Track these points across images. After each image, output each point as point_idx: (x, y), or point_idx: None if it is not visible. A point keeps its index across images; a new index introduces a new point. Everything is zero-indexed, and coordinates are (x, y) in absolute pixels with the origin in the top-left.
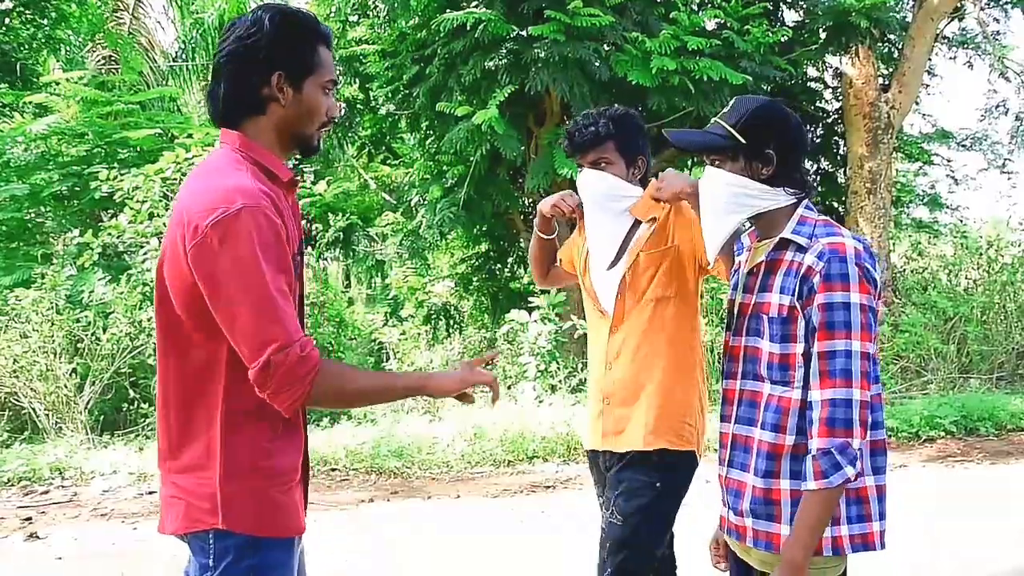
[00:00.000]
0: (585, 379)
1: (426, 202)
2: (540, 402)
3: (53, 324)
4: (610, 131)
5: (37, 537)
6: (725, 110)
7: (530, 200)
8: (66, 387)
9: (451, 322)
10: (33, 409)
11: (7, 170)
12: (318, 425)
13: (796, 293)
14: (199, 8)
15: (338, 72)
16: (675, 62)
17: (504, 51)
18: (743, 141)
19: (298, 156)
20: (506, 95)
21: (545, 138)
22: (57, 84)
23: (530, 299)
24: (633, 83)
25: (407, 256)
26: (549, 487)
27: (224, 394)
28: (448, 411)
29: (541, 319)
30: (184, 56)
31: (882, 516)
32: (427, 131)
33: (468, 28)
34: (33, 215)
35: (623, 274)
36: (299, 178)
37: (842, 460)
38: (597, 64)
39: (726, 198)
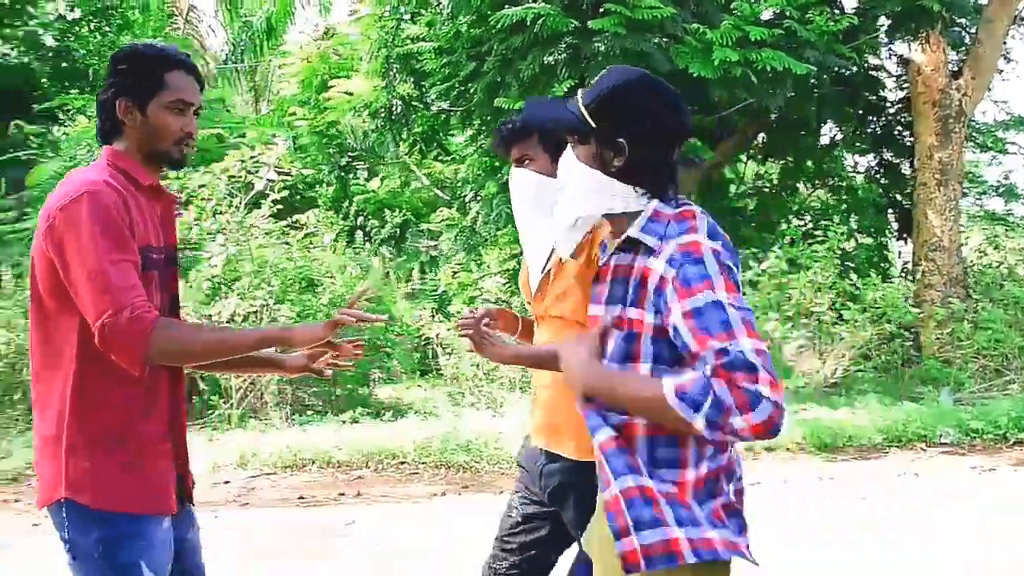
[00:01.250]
0: None
1: (481, 198)
2: None
3: None
4: (528, 125)
5: None
6: (592, 82)
7: None
8: None
9: None
10: None
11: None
12: (380, 418)
13: (643, 304)
14: (248, 12)
15: (204, 91)
16: (737, 53)
17: (563, 46)
18: (592, 125)
19: (168, 169)
20: (565, 90)
21: None
22: None
23: None
24: (694, 75)
25: (462, 252)
26: None
27: (76, 367)
28: (511, 406)
29: None
30: (233, 59)
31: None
32: (480, 127)
33: (527, 23)
34: None
35: (547, 271)
36: (163, 185)
37: (708, 409)
38: (657, 57)
39: (572, 190)
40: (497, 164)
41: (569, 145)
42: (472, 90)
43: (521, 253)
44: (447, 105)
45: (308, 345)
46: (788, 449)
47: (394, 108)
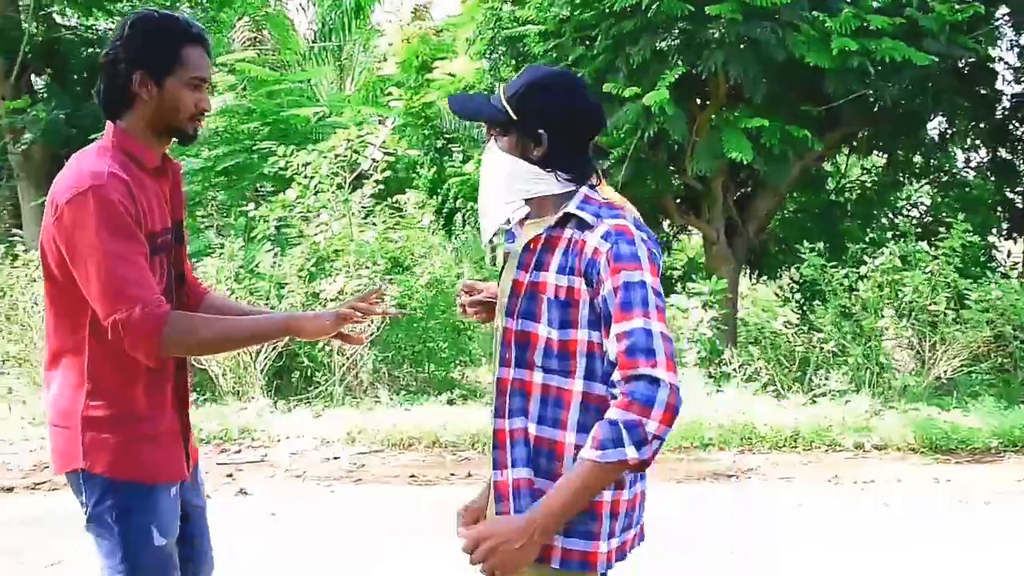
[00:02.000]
0: (759, 369)
1: None
2: (719, 390)
3: (232, 292)
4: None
5: (245, 493)
6: (513, 78)
7: (684, 183)
8: (245, 351)
9: None
10: (214, 371)
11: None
12: (474, 400)
13: (579, 273)
14: None
15: (215, 69)
16: (856, 43)
17: (676, 31)
18: (514, 117)
19: (177, 143)
20: (676, 77)
21: (712, 120)
22: (230, 65)
23: (690, 284)
24: (809, 64)
25: None
26: (732, 476)
27: (88, 346)
28: None
29: (703, 305)
30: (321, 37)
31: (610, 535)
32: None
33: (641, 7)
34: (205, 188)
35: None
36: (168, 164)
37: (627, 437)
38: (773, 45)
39: (495, 179)
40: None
41: (492, 137)
42: (579, 75)
43: None
44: None
45: (317, 338)
46: (899, 448)
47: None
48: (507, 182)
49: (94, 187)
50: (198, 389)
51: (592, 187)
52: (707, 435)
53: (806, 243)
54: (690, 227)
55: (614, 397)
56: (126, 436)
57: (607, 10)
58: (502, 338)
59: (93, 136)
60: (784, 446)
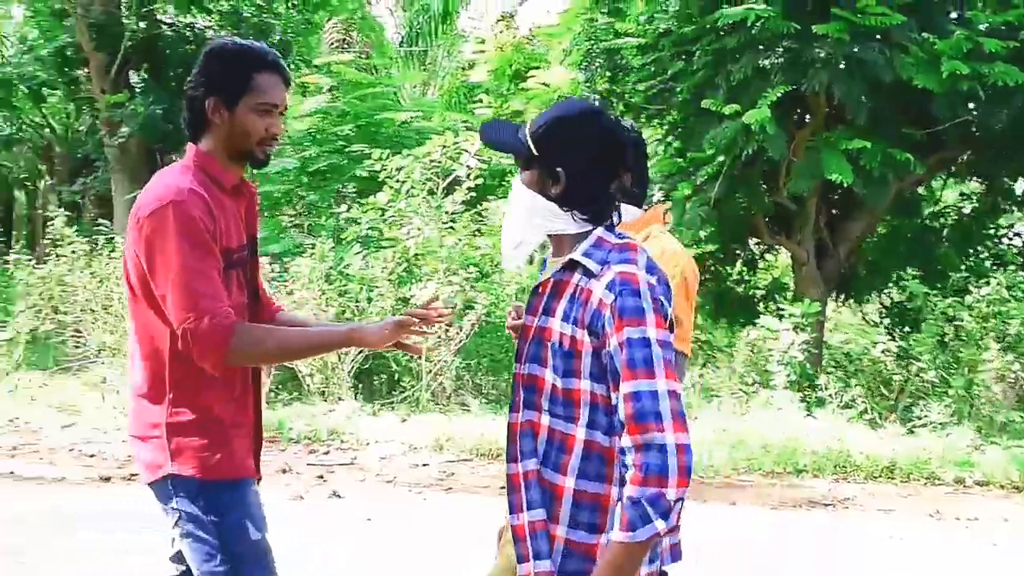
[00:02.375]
0: (855, 397)
1: (671, 199)
2: (810, 415)
3: (323, 294)
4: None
5: (338, 496)
6: (543, 112)
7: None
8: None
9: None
10: (301, 371)
11: (283, 145)
12: None
13: (583, 324)
14: None
15: (290, 93)
16: (968, 66)
17: (780, 49)
18: (535, 153)
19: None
20: (777, 96)
21: (812, 140)
22: (328, 66)
23: (781, 306)
24: (917, 87)
25: None
26: (828, 505)
27: (170, 354)
28: (700, 411)
29: (794, 328)
30: (408, 41)
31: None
32: (674, 127)
33: (746, 25)
34: (296, 188)
35: None
36: (244, 185)
37: (652, 512)
38: (881, 66)
39: (517, 212)
40: (690, 166)
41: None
42: (676, 89)
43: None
44: (638, 102)
45: (379, 347)
46: (1002, 486)
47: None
48: (527, 216)
49: (175, 202)
50: (284, 388)
51: (610, 227)
52: (801, 461)
53: (905, 269)
54: (777, 247)
55: (625, 466)
56: (210, 438)
57: (709, 25)
58: (513, 381)
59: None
60: (880, 476)
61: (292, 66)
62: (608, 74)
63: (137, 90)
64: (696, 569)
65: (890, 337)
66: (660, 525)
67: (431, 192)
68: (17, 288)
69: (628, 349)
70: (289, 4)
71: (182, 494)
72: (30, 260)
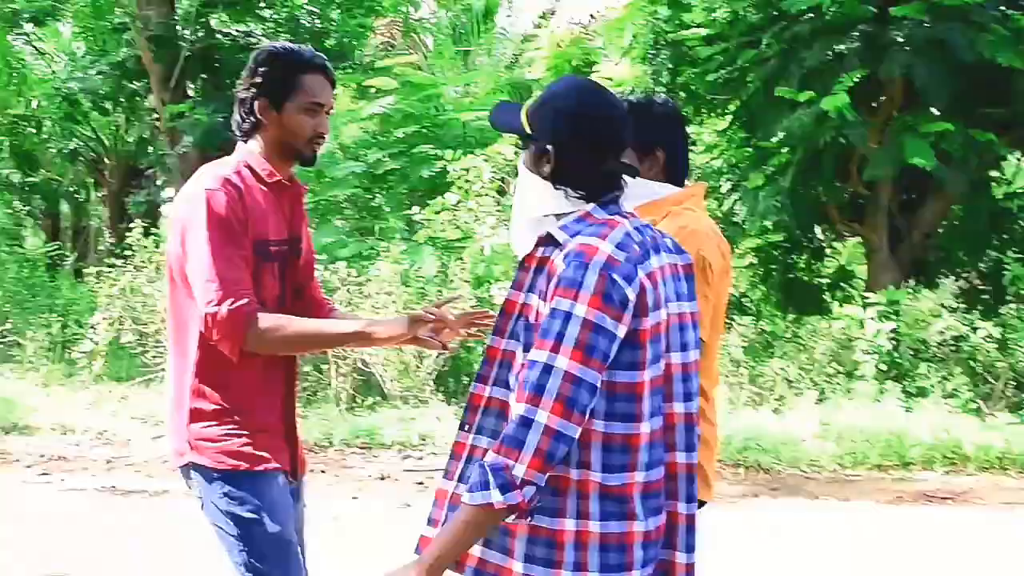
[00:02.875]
0: (958, 387)
1: (740, 189)
2: (910, 408)
3: (390, 295)
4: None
5: None
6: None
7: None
8: (413, 356)
9: (743, 310)
10: (381, 375)
11: (347, 149)
12: None
13: (544, 296)
14: None
15: (335, 94)
16: None
17: (856, 34)
18: (528, 131)
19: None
20: (855, 80)
21: (894, 126)
22: (389, 69)
23: (863, 294)
24: (1001, 66)
25: None
26: (946, 499)
27: (200, 346)
28: (790, 404)
29: (879, 316)
30: (455, 41)
31: (605, 568)
32: (740, 117)
33: (820, 10)
34: (363, 192)
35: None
36: (287, 182)
37: (493, 481)
38: (961, 46)
39: (520, 194)
40: (761, 155)
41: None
42: (747, 79)
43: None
44: (709, 93)
45: (392, 343)
46: None
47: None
48: (526, 197)
49: (209, 190)
50: (365, 393)
51: (604, 205)
52: (908, 453)
53: (982, 251)
54: (847, 234)
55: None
56: (231, 428)
57: (779, 12)
58: (485, 354)
59: None
60: (994, 467)
61: (349, 70)
62: (670, 65)
63: (196, 100)
64: (821, 568)
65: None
66: (495, 496)
67: (500, 191)
68: (96, 299)
69: (548, 318)
70: (340, 9)
71: (202, 482)
72: (109, 271)
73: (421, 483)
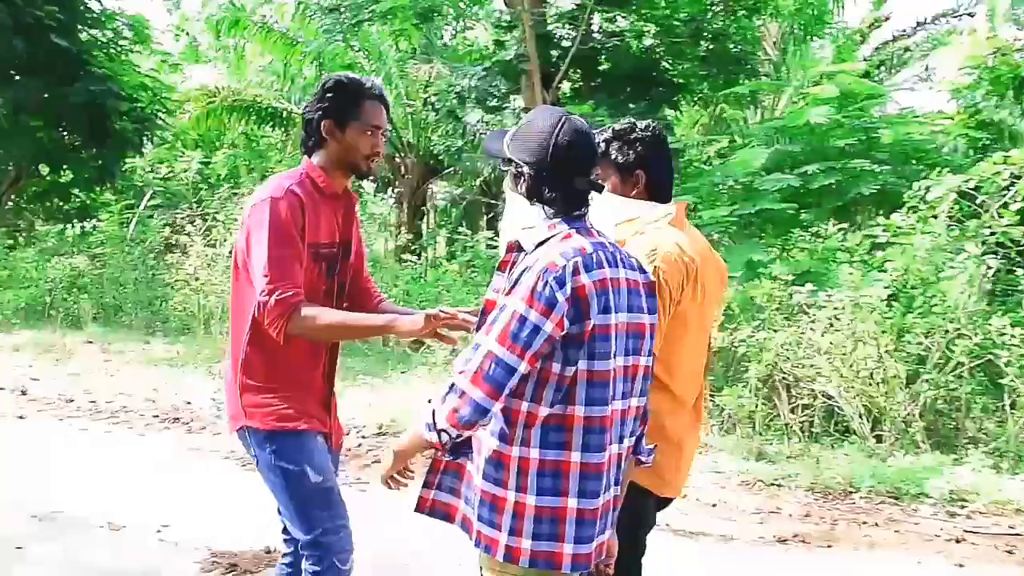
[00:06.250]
0: None
1: None
2: None
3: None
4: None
5: None
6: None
7: None
8: (897, 389)
9: None
10: (847, 414)
11: (781, 160)
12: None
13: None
14: None
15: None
16: None
17: None
18: (508, 155)
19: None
20: None
21: None
22: (831, 76)
23: None
24: None
25: None
26: None
27: (252, 326)
28: None
29: None
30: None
31: (579, 539)
32: None
33: None
34: (796, 208)
35: None
36: (342, 193)
37: (427, 422)
38: None
39: (507, 210)
40: None
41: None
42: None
43: None
44: None
45: (413, 336)
46: None
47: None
48: (510, 213)
49: (272, 198)
50: (832, 431)
51: (570, 220)
52: None
53: None
54: None
55: None
56: (276, 396)
57: None
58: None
59: None
60: None
61: (777, 77)
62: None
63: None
64: None
65: None
66: (423, 431)
67: (969, 215)
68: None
69: (495, 310)
70: (724, 9)
71: (254, 443)
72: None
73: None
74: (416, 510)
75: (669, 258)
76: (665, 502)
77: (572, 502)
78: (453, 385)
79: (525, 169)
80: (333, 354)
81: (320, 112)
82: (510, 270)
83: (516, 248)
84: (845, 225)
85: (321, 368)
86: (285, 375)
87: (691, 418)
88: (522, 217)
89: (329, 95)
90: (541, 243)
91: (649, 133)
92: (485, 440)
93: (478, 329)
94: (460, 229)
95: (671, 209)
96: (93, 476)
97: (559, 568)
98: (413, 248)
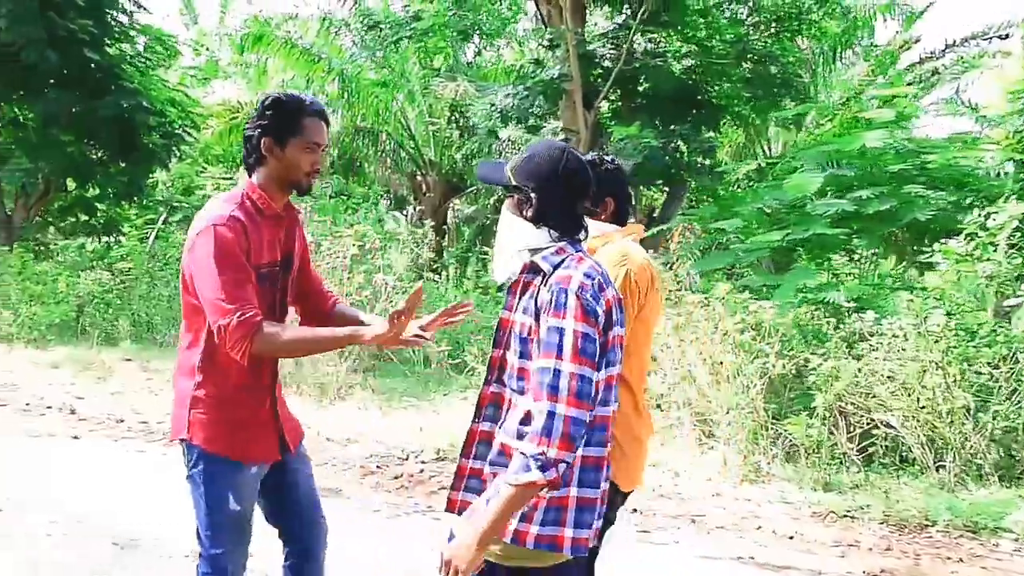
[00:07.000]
0: None
1: None
2: None
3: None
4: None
5: None
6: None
7: None
8: (961, 419)
9: None
10: (906, 441)
11: (832, 185)
12: None
13: (533, 315)
14: None
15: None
16: None
17: None
18: (512, 182)
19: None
20: None
21: None
22: (890, 99)
23: None
24: None
25: None
26: None
27: (204, 347)
28: None
29: None
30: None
31: (579, 525)
32: None
33: None
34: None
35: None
36: (283, 213)
37: (533, 464)
38: None
39: (505, 232)
40: None
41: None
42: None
43: None
44: None
45: (379, 343)
46: None
47: None
48: (511, 235)
49: (216, 225)
50: (890, 459)
51: (574, 242)
52: None
53: None
54: None
55: (526, 423)
56: (222, 417)
57: None
58: (488, 362)
59: None
60: None
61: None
62: None
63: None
64: None
65: None
66: (536, 475)
67: None
68: None
69: (547, 335)
70: (769, 34)
71: (191, 456)
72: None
73: None
74: (446, 510)
75: (636, 262)
76: (626, 496)
77: (574, 491)
78: (553, 414)
79: (534, 195)
80: (274, 369)
81: (259, 130)
82: (524, 291)
83: (530, 269)
84: (895, 252)
85: (267, 384)
86: (234, 394)
87: (646, 415)
88: (525, 239)
89: (268, 112)
90: (557, 265)
91: (615, 166)
92: (508, 441)
93: (496, 346)
94: (474, 248)
95: (636, 228)
96: (163, 502)
97: (560, 550)
98: (434, 267)
